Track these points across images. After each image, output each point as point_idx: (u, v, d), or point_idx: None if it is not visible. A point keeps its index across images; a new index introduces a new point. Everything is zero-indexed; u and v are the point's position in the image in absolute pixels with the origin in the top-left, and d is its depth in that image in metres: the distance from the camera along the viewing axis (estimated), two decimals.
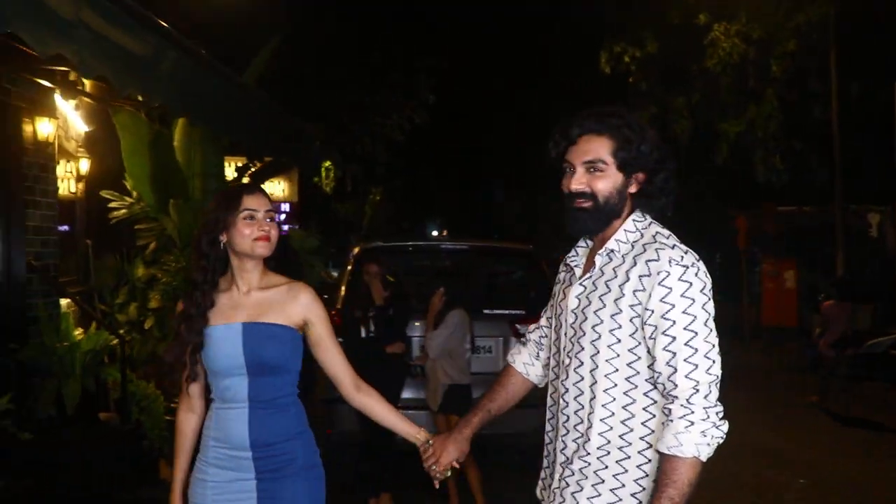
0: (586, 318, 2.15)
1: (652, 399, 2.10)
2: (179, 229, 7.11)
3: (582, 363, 2.15)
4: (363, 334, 5.58)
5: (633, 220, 2.21)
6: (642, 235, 2.18)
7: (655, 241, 2.15)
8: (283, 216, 15.04)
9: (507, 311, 6.44)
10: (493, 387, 2.53)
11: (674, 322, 2.02)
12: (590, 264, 2.24)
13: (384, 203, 20.71)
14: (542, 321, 2.50)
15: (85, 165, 7.69)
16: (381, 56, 12.70)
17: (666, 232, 2.20)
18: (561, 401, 2.20)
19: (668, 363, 2.02)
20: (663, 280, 2.05)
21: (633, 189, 2.21)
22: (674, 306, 2.03)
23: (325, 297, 7.60)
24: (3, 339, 5.41)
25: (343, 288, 6.41)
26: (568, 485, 2.15)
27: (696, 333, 2.01)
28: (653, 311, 2.06)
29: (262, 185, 3.66)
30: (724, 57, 15.19)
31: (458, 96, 19.60)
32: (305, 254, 7.07)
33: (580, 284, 2.22)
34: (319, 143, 6.91)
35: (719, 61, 15.27)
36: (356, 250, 6.75)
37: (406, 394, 5.82)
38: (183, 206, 7.03)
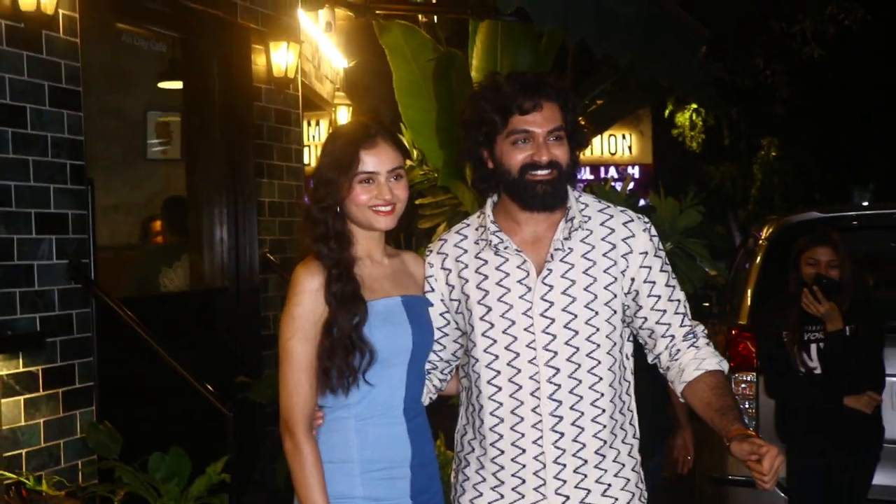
0: (574, 300, 2.82)
1: (628, 363, 2.97)
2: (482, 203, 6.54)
3: (556, 353, 2.82)
4: (802, 369, 5.04)
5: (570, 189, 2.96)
6: (587, 205, 2.96)
7: (606, 205, 2.98)
8: (620, 183, 14.37)
9: None
10: None
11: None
12: (537, 246, 2.90)
13: (781, 162, 19.43)
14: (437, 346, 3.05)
15: (344, 116, 7.74)
16: None
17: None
18: (531, 401, 2.84)
19: (675, 312, 2.92)
20: (649, 239, 2.94)
21: None
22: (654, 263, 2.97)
23: (707, 304, 6.79)
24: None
25: (749, 292, 5.89)
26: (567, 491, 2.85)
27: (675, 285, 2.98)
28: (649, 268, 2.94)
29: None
30: None
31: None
32: (678, 235, 6.20)
33: (547, 268, 2.85)
34: (706, 49, 6.00)
35: None
36: (768, 229, 6.30)
37: (884, 478, 5.18)
38: None
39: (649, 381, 3.93)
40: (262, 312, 6.47)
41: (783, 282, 5.21)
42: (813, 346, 5.00)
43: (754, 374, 5.30)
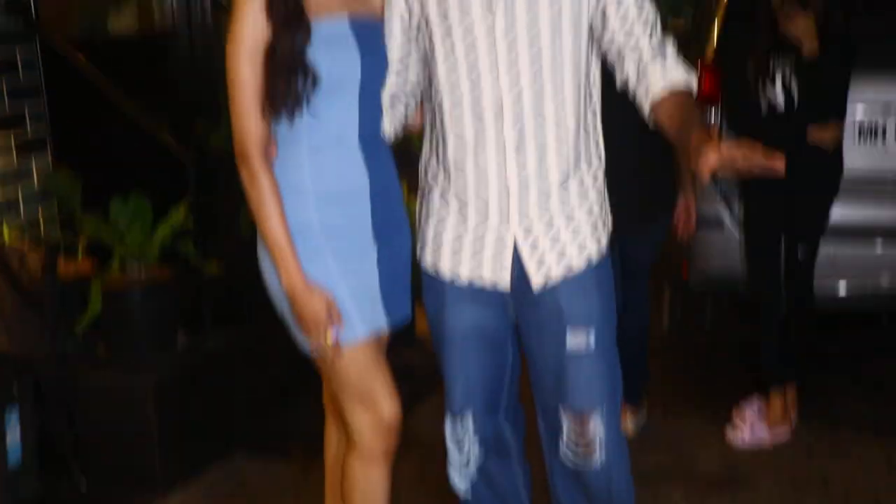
0: (537, 16, 2.70)
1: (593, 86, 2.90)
2: None
3: (519, 73, 2.73)
4: (764, 105, 4.73)
5: None
6: None
7: None
8: None
9: None
10: None
11: None
12: None
13: None
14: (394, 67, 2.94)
15: None
16: None
17: None
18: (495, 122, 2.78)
19: (644, 30, 2.80)
20: None
21: None
22: None
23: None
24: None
25: (716, 23, 5.55)
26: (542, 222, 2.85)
27: None
28: None
29: None
30: None
31: None
32: None
33: None
34: None
35: None
36: None
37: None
38: None
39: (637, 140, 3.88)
40: (216, 55, 6.24)
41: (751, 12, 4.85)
42: (778, 78, 4.72)
43: (717, 107, 5.13)
